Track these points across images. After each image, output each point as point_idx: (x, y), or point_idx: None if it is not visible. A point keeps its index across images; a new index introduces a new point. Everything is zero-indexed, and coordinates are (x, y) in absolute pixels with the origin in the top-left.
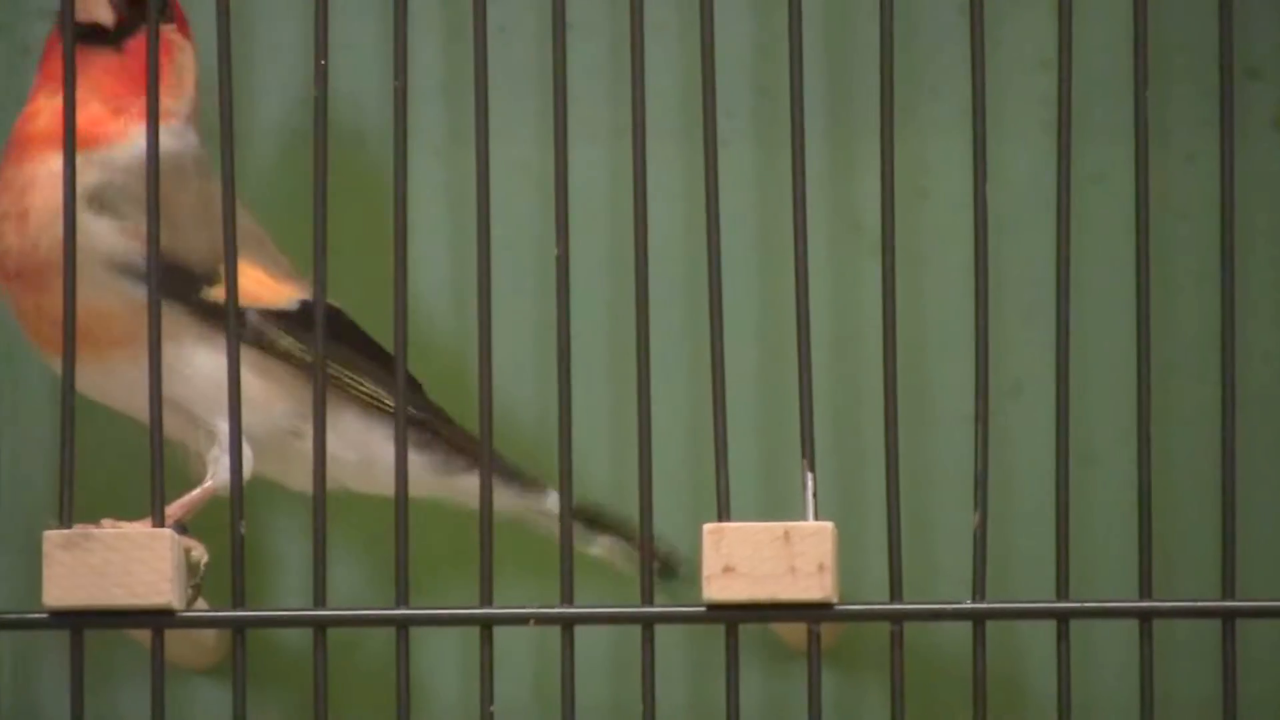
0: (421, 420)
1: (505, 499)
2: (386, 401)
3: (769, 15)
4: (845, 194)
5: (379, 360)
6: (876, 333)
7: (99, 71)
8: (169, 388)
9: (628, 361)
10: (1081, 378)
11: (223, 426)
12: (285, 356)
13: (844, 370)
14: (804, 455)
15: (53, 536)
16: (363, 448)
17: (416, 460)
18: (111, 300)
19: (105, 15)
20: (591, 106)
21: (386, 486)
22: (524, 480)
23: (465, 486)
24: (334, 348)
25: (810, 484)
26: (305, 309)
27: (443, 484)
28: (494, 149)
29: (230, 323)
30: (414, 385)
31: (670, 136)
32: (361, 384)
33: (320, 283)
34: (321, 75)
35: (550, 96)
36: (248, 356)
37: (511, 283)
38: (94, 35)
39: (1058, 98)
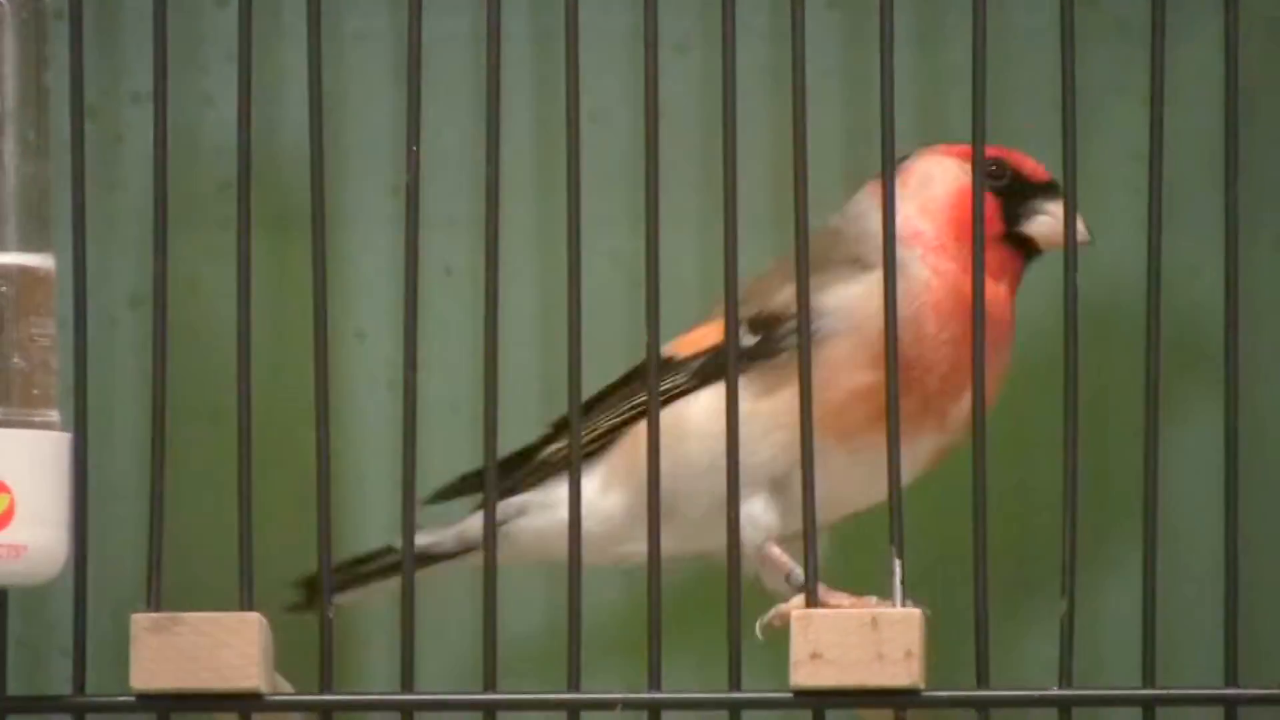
0: None
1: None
2: None
3: (864, 108)
4: None
5: None
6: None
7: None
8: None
9: None
10: (1169, 465)
11: None
12: None
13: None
14: (892, 541)
15: (140, 620)
16: None
17: None
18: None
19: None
20: (682, 193)
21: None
22: None
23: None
24: None
25: (899, 570)
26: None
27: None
28: (584, 236)
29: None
30: None
31: (760, 224)
32: None
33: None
34: (414, 161)
35: (642, 183)
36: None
37: (602, 369)
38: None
39: (1149, 188)
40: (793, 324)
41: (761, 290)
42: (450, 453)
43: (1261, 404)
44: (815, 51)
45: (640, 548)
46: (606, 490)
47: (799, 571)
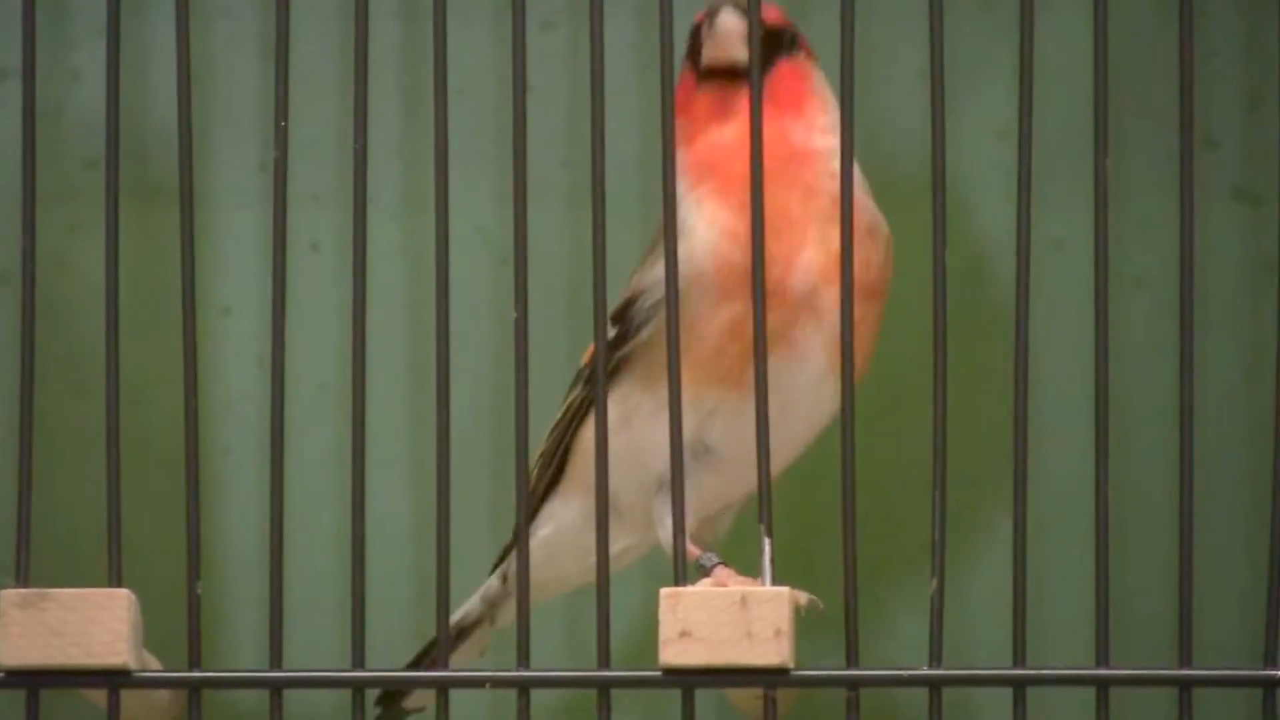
0: None
1: None
2: None
3: None
4: None
5: None
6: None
7: (742, 107)
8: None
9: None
10: (1038, 445)
11: None
12: None
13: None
14: (760, 520)
15: (8, 595)
16: None
17: None
18: None
19: (740, 54)
20: (549, 169)
21: None
22: None
23: None
24: None
25: (768, 549)
26: None
27: None
28: (452, 212)
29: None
30: None
31: (626, 200)
32: None
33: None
34: (282, 137)
35: (509, 160)
36: None
37: (467, 346)
38: (732, 74)
39: (1017, 165)
40: (640, 302)
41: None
42: (317, 429)
43: (1130, 376)
44: (684, 28)
45: (617, 546)
46: (568, 502)
47: (706, 557)
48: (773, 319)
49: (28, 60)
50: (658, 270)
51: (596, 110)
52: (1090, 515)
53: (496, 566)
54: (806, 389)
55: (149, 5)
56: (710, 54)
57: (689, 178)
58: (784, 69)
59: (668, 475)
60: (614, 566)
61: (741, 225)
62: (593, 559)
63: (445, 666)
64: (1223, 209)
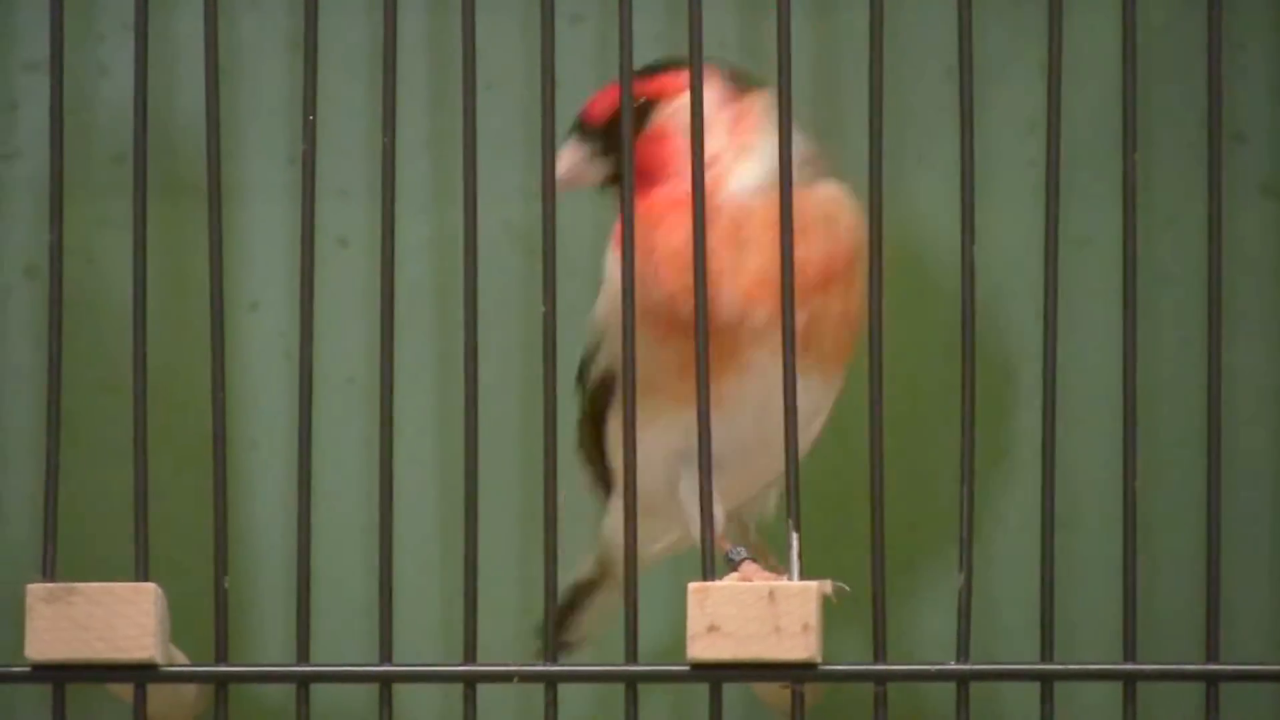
0: None
1: None
2: None
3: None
4: None
5: None
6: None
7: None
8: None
9: None
10: (1066, 442)
11: None
12: None
13: (832, 431)
14: (789, 515)
15: (35, 590)
16: None
17: None
18: None
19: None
20: None
21: None
22: None
23: None
24: None
25: (795, 544)
26: None
27: None
28: (480, 207)
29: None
30: None
31: None
32: None
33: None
34: (310, 131)
35: (538, 154)
36: None
37: (495, 340)
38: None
39: (1045, 161)
40: (596, 351)
41: None
42: (345, 424)
43: (1158, 372)
44: (713, 25)
45: (656, 545)
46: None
47: (736, 550)
48: (716, 350)
49: (56, 54)
50: (598, 314)
51: (624, 104)
52: (1118, 510)
53: None
54: (774, 395)
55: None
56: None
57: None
58: (641, 146)
59: (681, 476)
60: (665, 553)
61: (653, 266)
62: (654, 546)
63: (473, 661)
64: (1251, 204)
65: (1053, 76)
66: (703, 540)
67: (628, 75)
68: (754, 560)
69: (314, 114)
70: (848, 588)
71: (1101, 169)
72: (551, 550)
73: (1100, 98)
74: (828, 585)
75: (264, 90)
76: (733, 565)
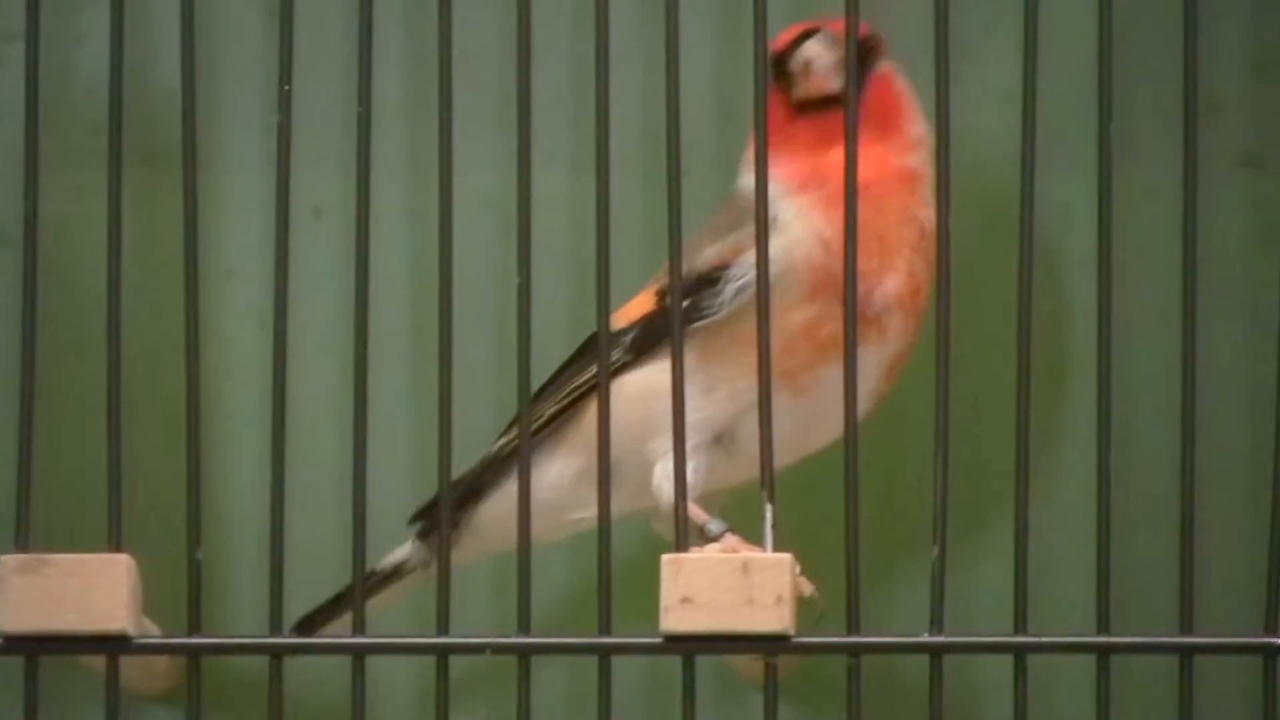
0: None
1: None
2: None
3: (733, 45)
4: None
5: None
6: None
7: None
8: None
9: None
10: (1042, 414)
11: None
12: None
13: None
14: (763, 487)
15: (8, 561)
16: None
17: None
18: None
19: (832, 86)
20: (554, 135)
21: None
22: None
23: None
24: None
25: (769, 516)
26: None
27: None
28: (456, 177)
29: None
30: None
31: (632, 165)
32: None
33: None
34: (286, 100)
35: (514, 124)
36: None
37: (473, 310)
38: (826, 103)
39: (1021, 131)
40: (724, 283)
41: (689, 254)
42: (319, 393)
43: (1132, 343)
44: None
45: (588, 511)
46: (553, 458)
47: (714, 524)
48: (842, 330)
49: (31, 23)
50: (750, 256)
51: (601, 75)
52: (1092, 482)
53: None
54: (864, 379)
55: None
56: (802, 91)
57: (789, 184)
58: (875, 87)
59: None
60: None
61: (836, 239)
62: (569, 517)
63: (445, 633)
64: (1227, 175)
65: (1029, 46)
66: (676, 511)
67: (762, 44)
68: (735, 532)
69: (290, 83)
70: (824, 604)
71: (1079, 139)
72: (525, 528)
73: (1077, 67)
74: (806, 587)
75: (240, 59)
76: (710, 538)
